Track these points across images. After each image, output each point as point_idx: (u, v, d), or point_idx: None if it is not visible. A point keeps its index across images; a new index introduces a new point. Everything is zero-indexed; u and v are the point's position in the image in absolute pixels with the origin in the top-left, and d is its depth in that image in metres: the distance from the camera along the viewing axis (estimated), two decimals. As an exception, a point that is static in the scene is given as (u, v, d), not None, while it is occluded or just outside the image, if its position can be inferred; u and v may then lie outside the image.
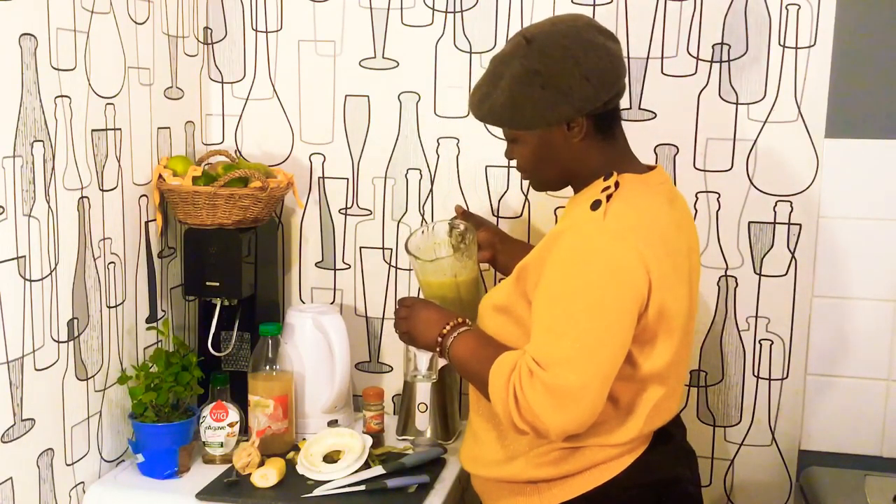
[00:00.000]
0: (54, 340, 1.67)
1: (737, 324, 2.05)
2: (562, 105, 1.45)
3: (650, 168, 1.56)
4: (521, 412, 1.39)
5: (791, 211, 1.99)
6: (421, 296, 1.83)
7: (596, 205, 1.44)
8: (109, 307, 1.83)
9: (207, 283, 1.98)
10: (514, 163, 1.64)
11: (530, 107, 1.46)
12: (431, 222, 1.83)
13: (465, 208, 1.94)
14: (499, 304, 1.53)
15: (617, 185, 1.46)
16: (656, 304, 1.42)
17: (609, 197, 1.44)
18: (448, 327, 1.58)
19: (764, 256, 2.02)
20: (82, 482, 1.78)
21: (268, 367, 1.92)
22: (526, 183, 2.03)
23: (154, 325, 1.99)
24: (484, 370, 1.45)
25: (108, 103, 1.80)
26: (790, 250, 2.00)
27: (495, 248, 1.84)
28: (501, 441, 1.55)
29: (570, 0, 2.01)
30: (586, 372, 1.37)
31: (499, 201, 2.12)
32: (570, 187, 1.58)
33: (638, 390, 1.49)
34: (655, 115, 2.02)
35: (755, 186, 2.00)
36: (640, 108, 2.02)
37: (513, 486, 1.56)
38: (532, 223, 2.11)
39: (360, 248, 2.21)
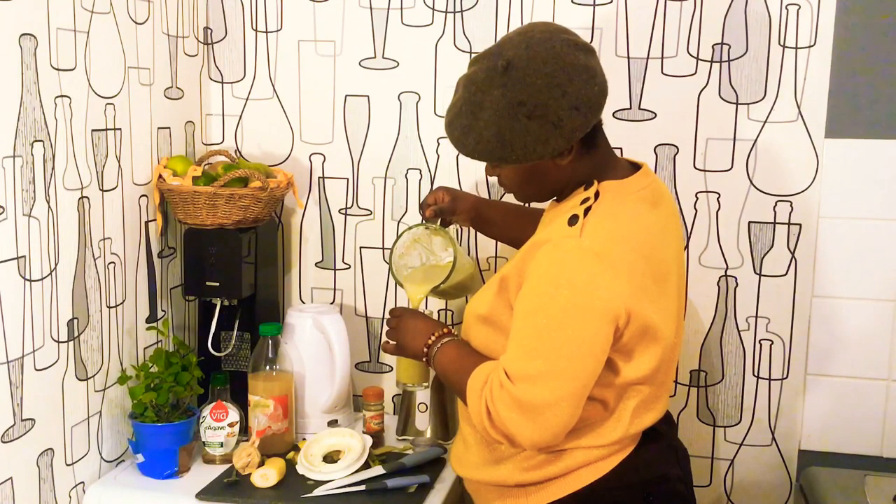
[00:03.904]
0: (54, 340, 1.67)
1: (737, 324, 2.05)
2: (554, 139, 1.40)
3: (635, 167, 1.54)
4: (493, 424, 1.40)
5: (791, 211, 1.99)
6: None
7: (573, 220, 1.42)
8: (109, 307, 1.83)
9: (207, 283, 1.98)
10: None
11: (520, 141, 1.40)
12: (410, 231, 1.80)
13: (432, 205, 1.80)
14: (483, 314, 1.53)
15: (597, 195, 1.45)
16: (638, 322, 1.41)
17: (587, 210, 1.42)
18: (433, 338, 1.59)
19: (764, 256, 2.02)
20: (82, 482, 1.78)
21: (268, 367, 1.92)
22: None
23: (154, 325, 1.99)
24: (463, 381, 1.46)
25: (108, 103, 1.80)
26: (790, 250, 2.00)
27: (474, 221, 1.87)
28: (489, 445, 1.55)
29: (570, 0, 2.01)
30: (557, 389, 1.37)
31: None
32: None
33: (623, 393, 1.49)
34: (655, 115, 2.02)
35: (755, 186, 2.00)
36: (640, 108, 2.02)
37: (501, 489, 1.56)
38: (532, 223, 2.10)
39: (360, 248, 2.21)
